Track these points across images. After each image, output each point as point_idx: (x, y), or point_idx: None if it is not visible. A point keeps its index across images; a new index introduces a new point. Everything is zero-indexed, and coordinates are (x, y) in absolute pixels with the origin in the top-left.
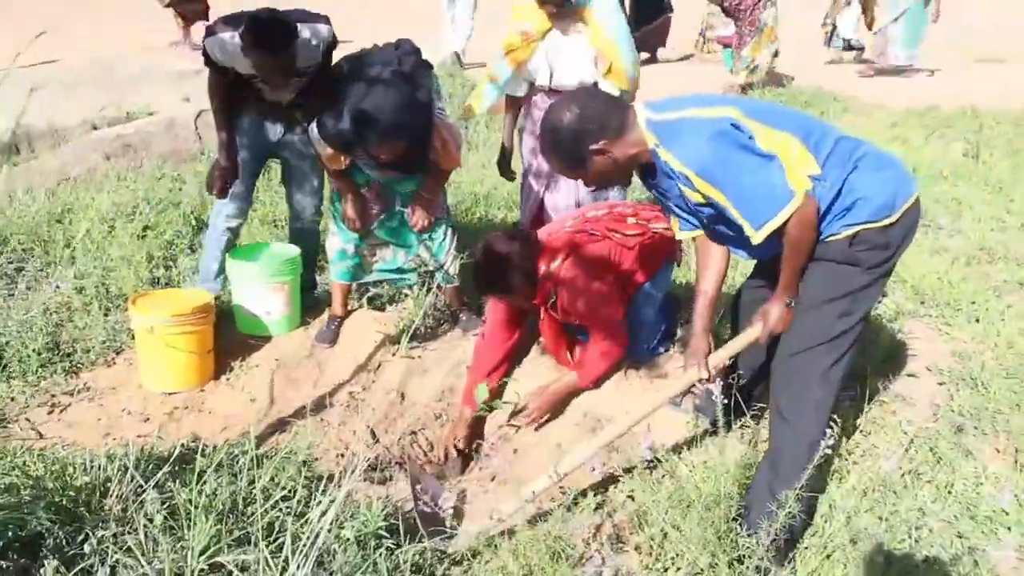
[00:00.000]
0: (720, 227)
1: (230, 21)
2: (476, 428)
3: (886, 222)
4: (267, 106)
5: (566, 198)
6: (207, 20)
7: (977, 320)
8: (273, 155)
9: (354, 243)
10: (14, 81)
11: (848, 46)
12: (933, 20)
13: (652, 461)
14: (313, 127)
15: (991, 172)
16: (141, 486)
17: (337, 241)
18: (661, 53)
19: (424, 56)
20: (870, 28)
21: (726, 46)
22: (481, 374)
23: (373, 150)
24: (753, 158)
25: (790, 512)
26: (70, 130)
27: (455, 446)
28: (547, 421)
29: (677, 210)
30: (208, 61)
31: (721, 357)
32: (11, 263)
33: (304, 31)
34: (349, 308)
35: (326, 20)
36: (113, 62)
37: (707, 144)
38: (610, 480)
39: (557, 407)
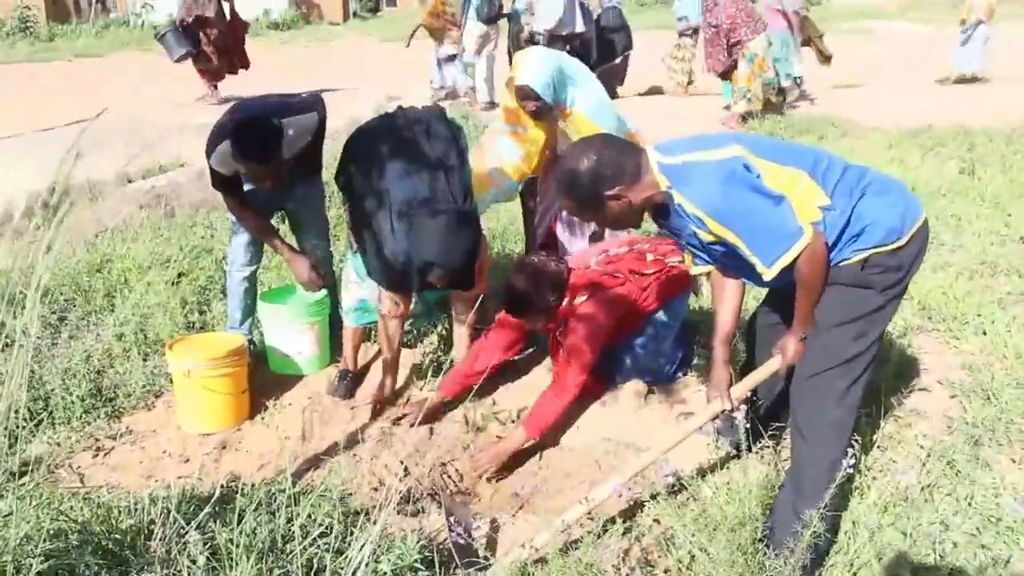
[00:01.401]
0: (733, 263)
1: (220, 131)
2: (435, 416)
3: (896, 245)
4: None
5: (582, 241)
6: (234, 72)
7: (984, 332)
8: (277, 208)
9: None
10: (48, 141)
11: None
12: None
13: (675, 485)
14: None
15: (987, 188)
16: (183, 527)
17: (359, 291)
18: (620, 90)
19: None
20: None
21: (723, 78)
22: (469, 368)
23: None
24: (762, 199)
25: (815, 531)
26: (105, 183)
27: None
28: (500, 475)
29: (689, 247)
30: (217, 182)
31: (743, 389)
32: (54, 313)
33: (288, 129)
34: (374, 346)
35: (312, 105)
36: (144, 118)
37: (718, 187)
38: (636, 505)
39: (508, 461)
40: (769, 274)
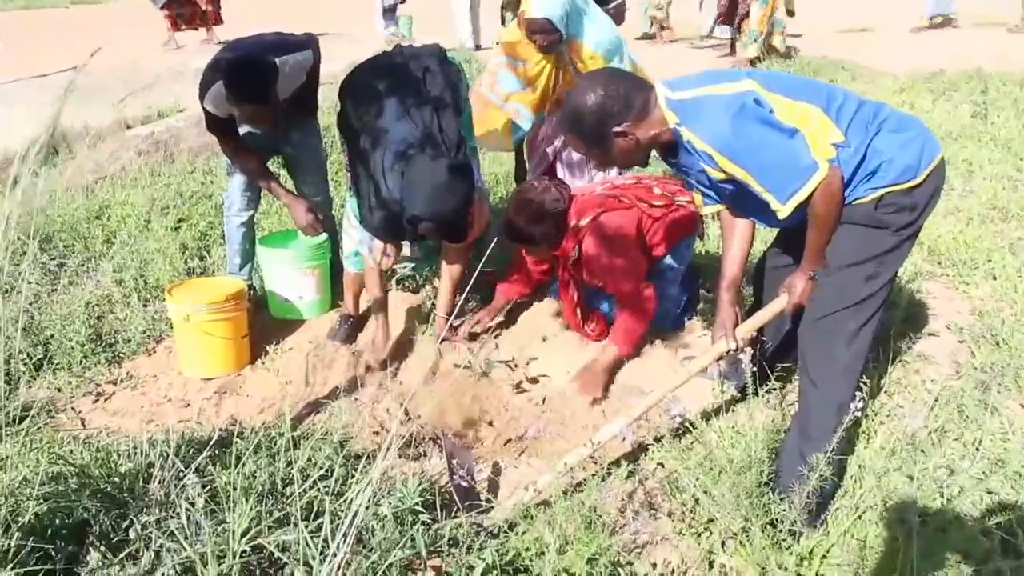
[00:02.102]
0: (744, 202)
1: (213, 71)
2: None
3: (911, 183)
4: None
5: (583, 182)
6: (210, 26)
7: (994, 277)
8: (274, 152)
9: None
10: (45, 87)
11: None
12: None
13: (680, 428)
14: (356, 233)
15: (1000, 132)
16: (182, 471)
17: (357, 236)
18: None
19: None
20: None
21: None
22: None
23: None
24: (775, 132)
25: (821, 475)
26: (104, 130)
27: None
28: (604, 396)
29: (699, 186)
30: (211, 124)
31: (748, 329)
32: (53, 260)
33: (284, 68)
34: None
35: (307, 43)
36: (142, 64)
37: (728, 121)
38: (640, 448)
39: (607, 380)
40: (784, 211)
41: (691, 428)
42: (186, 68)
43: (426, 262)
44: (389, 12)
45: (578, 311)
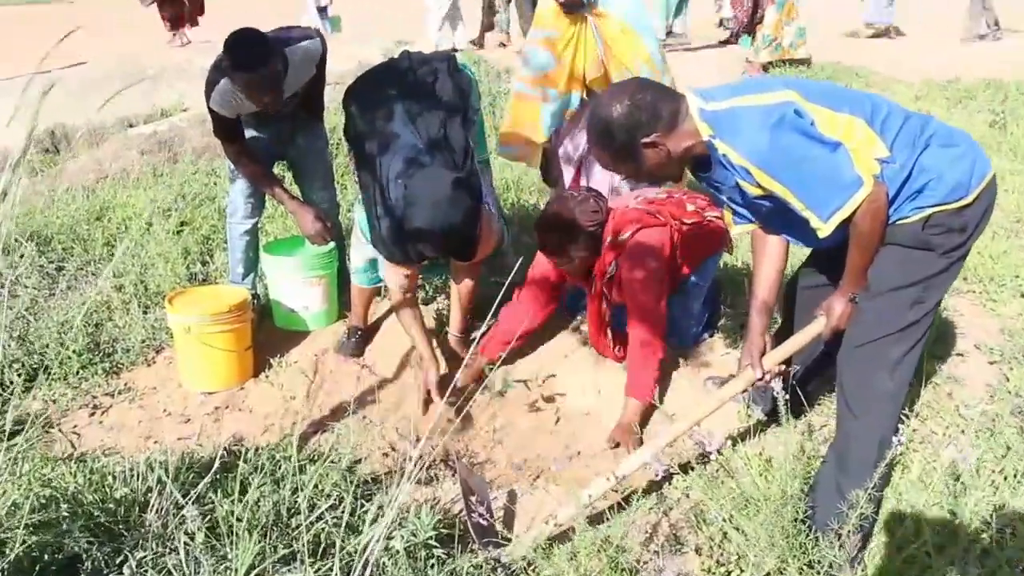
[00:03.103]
0: (780, 220)
1: (217, 68)
2: (480, 377)
3: (961, 203)
4: (265, 123)
5: (601, 185)
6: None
7: (1022, 295)
8: (279, 158)
9: None
10: (43, 84)
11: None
12: None
13: (705, 455)
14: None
15: (1019, 143)
16: (180, 501)
17: (367, 251)
18: None
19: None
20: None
21: (747, 32)
22: (511, 329)
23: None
24: (817, 146)
25: (862, 512)
26: (106, 128)
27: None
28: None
29: (730, 203)
30: (218, 127)
31: (778, 357)
32: (52, 263)
33: (293, 55)
34: (386, 301)
35: (312, 33)
36: (144, 60)
37: (767, 134)
38: (663, 476)
39: (639, 430)
40: (825, 229)
41: (718, 454)
42: (190, 65)
43: (436, 271)
44: (322, 11)
45: (608, 331)
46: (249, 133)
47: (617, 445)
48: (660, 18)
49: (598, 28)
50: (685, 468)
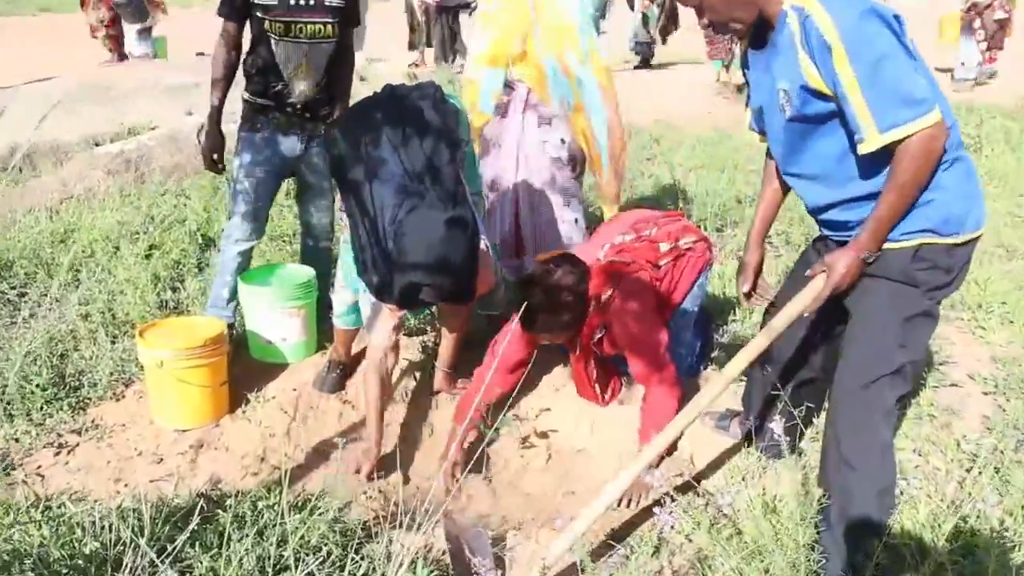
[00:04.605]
0: (804, 143)
1: None
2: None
3: (951, 241)
4: (284, 118)
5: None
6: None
7: (1011, 322)
8: (290, 173)
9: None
10: (7, 100)
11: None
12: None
13: (704, 495)
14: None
15: (995, 166)
16: (155, 560)
17: (349, 296)
18: None
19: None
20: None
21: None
22: (478, 397)
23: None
24: (903, 52)
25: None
26: (72, 146)
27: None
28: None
29: (763, 101)
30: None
31: (781, 321)
32: (13, 288)
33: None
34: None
35: None
36: (111, 78)
37: (860, 16)
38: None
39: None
40: (874, 143)
41: (712, 493)
42: (159, 83)
43: (423, 310)
44: (145, 32)
45: (595, 384)
46: (264, 137)
47: (629, 502)
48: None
49: (535, 9)
50: (686, 512)
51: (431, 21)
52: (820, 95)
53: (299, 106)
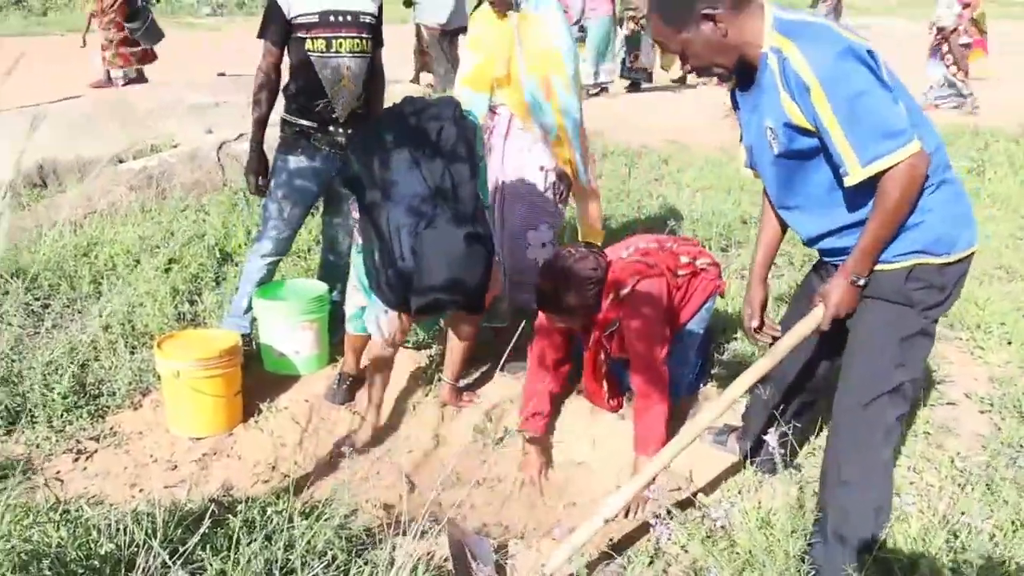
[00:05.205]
0: (795, 177)
1: None
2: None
3: (943, 260)
4: (326, 138)
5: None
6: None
7: (1009, 343)
8: (321, 193)
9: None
10: (33, 117)
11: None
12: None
13: (701, 508)
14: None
15: (998, 189)
16: (168, 562)
17: (360, 298)
18: None
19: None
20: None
21: None
22: (539, 406)
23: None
24: (879, 87)
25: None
26: (96, 163)
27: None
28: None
29: (752, 140)
30: (267, 19)
31: (782, 349)
32: (38, 299)
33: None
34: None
35: None
36: (134, 97)
37: (835, 55)
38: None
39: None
40: (858, 176)
41: (703, 505)
42: (180, 104)
43: (430, 322)
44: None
45: (604, 382)
46: (302, 162)
47: (627, 513)
48: (590, 63)
49: (520, 33)
50: (682, 523)
51: (434, 45)
52: (804, 131)
53: (342, 122)
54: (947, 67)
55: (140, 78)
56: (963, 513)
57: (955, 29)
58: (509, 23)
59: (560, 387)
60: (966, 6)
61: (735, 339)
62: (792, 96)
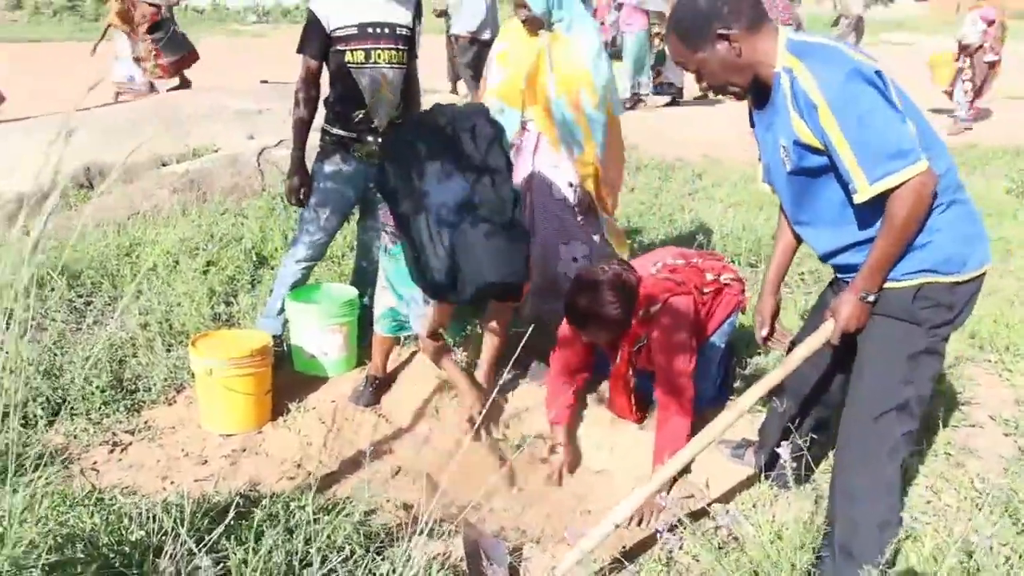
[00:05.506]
0: (808, 191)
1: None
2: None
3: (953, 279)
4: (364, 148)
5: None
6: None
7: None
8: (358, 200)
9: (408, 303)
10: (84, 121)
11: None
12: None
13: (715, 519)
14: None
15: None
16: (193, 549)
17: (390, 299)
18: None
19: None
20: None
21: None
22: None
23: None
24: (887, 107)
25: None
26: (141, 166)
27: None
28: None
29: (768, 158)
30: (307, 34)
31: (792, 363)
32: (81, 297)
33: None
34: (404, 350)
35: None
36: (180, 102)
37: (844, 76)
38: (672, 532)
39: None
40: (866, 194)
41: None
42: (224, 109)
43: (457, 328)
44: (134, 62)
45: (632, 396)
46: (339, 169)
47: (640, 521)
48: (626, 77)
49: (552, 54)
50: (695, 532)
51: (462, 52)
52: (814, 150)
53: (380, 131)
54: (963, 82)
55: (184, 84)
56: (976, 531)
57: (980, 46)
58: (539, 41)
59: (581, 393)
60: (991, 23)
61: (758, 353)
62: (801, 115)
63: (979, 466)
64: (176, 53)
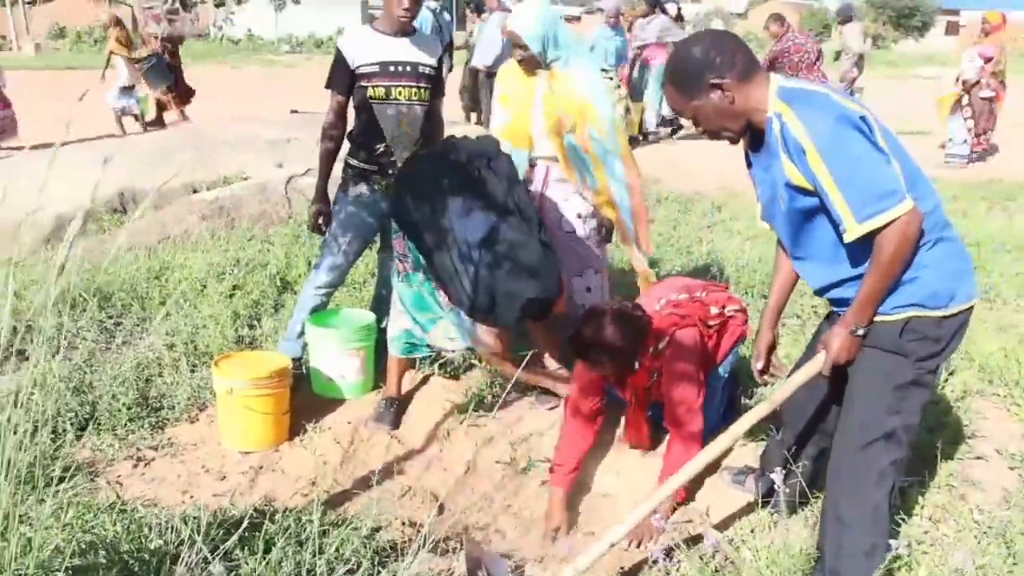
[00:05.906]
0: (804, 227)
1: None
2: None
3: (940, 313)
4: (385, 181)
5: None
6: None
7: None
8: (380, 227)
9: (422, 327)
10: (119, 149)
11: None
12: None
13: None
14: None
15: None
16: (208, 557)
17: (405, 322)
18: None
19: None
20: None
21: None
22: (570, 463)
23: None
24: (873, 151)
25: None
26: (172, 192)
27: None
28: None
29: (766, 198)
30: (334, 71)
31: (785, 392)
32: (111, 318)
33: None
34: (418, 373)
35: None
36: (212, 131)
37: (832, 121)
38: (667, 558)
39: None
40: (855, 232)
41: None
42: (257, 139)
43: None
44: (127, 89)
45: (646, 429)
46: (361, 197)
47: (639, 543)
48: (652, 112)
49: (553, 90)
50: (691, 556)
51: (481, 86)
52: (804, 191)
53: (400, 165)
54: (964, 119)
55: (183, 118)
56: (973, 561)
57: (977, 82)
58: (537, 80)
59: (592, 439)
60: (988, 60)
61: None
62: (791, 158)
63: (981, 498)
64: (158, 84)
